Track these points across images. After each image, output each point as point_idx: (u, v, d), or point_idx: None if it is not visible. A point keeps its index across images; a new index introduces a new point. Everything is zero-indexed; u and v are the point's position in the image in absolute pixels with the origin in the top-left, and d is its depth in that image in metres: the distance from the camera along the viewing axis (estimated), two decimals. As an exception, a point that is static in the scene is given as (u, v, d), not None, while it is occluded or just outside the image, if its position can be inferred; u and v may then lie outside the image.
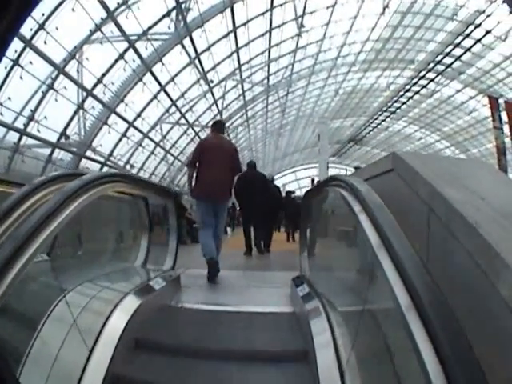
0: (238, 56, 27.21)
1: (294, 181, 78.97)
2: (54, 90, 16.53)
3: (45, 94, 16.36)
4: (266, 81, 33.76)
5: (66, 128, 18.64)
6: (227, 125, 35.71)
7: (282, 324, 4.56)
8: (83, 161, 21.29)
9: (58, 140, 18.60)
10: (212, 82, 27.84)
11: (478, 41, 30.15)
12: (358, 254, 3.70)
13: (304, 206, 6.98)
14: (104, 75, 19.03)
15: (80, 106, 18.76)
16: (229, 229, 26.61)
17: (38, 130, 16.64)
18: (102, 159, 23.09)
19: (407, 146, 57.31)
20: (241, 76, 30.33)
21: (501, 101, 29.88)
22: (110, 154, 23.64)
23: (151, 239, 6.39)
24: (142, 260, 6.17)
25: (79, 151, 20.54)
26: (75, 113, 18.69)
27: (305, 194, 7.53)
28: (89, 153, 21.37)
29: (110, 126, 21.45)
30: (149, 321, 4.24)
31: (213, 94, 29.76)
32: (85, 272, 4.78)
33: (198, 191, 7.50)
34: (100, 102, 19.85)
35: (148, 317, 4.27)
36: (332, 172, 56.04)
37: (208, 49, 24.16)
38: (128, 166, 26.38)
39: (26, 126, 16.18)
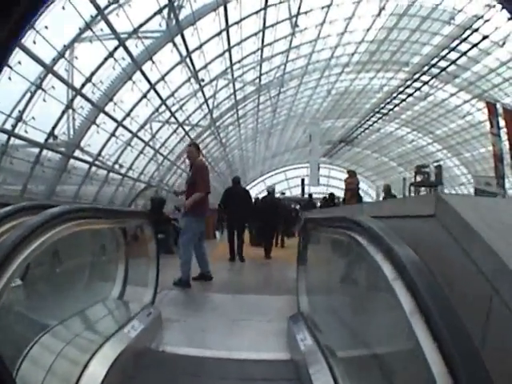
0: (230, 55, 26.79)
1: (284, 180, 79.54)
2: (43, 89, 16.02)
3: (33, 93, 15.86)
4: (257, 80, 33.40)
5: (54, 128, 18.09)
6: (217, 124, 35.54)
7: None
8: (71, 161, 20.79)
9: (46, 140, 18.06)
10: (203, 80, 27.42)
11: (475, 45, 30.12)
12: (377, 314, 3.22)
13: (303, 235, 6.52)
14: (93, 74, 18.48)
15: (69, 106, 18.23)
16: (217, 233, 26.91)
17: (26, 131, 16.12)
18: (90, 159, 22.65)
19: (399, 148, 58.33)
20: (232, 75, 29.92)
21: (498, 106, 29.62)
22: (99, 154, 23.14)
23: (128, 269, 5.79)
24: (117, 294, 5.57)
25: (67, 151, 20.06)
26: (63, 112, 18.13)
27: (305, 221, 6.85)
28: (77, 152, 20.85)
29: (98, 126, 20.92)
30: (126, 371, 3.81)
31: (203, 93, 29.33)
32: (50, 315, 4.15)
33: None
34: (89, 101, 19.33)
35: (124, 367, 3.82)
36: (323, 173, 56.36)
37: (200, 47, 23.78)
38: (117, 166, 25.98)
39: (14, 126, 15.70)
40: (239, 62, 28.74)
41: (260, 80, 33.46)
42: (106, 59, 18.50)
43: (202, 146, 38.54)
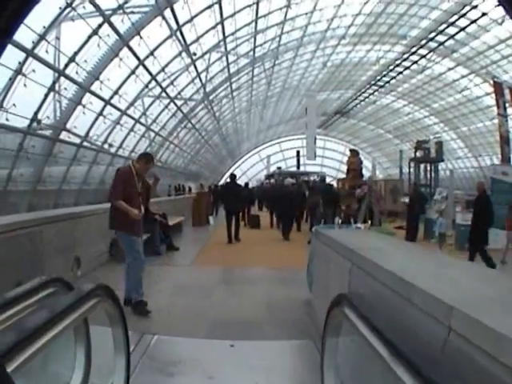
0: (223, 27, 25.73)
1: (279, 152, 78.95)
2: (23, 75, 15.17)
3: (13, 79, 15.01)
4: (251, 53, 32.30)
5: (36, 112, 17.23)
6: (211, 98, 34.75)
7: None
8: (59, 143, 19.96)
9: (29, 126, 17.19)
10: (195, 54, 26.33)
11: (474, 22, 29.42)
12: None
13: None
14: (76, 53, 17.46)
15: (51, 88, 17.33)
16: (211, 218, 25.34)
17: (7, 119, 15.44)
18: (78, 140, 21.80)
19: (395, 121, 57.85)
20: (225, 48, 28.86)
21: (504, 87, 28.73)
22: (86, 135, 22.25)
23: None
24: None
25: (54, 134, 19.24)
26: (46, 96, 17.21)
27: None
28: (64, 135, 19.94)
29: (84, 106, 19.97)
30: None
31: (196, 67, 28.31)
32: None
33: None
34: (73, 81, 18.36)
35: None
36: (319, 144, 55.75)
37: (191, 20, 22.71)
38: (106, 146, 25.15)
39: None
40: (232, 34, 27.65)
41: (254, 53, 32.38)
42: (89, 37, 17.45)
43: (195, 120, 37.88)
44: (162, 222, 14.29)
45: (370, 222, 19.39)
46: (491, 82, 31.28)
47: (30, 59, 15.25)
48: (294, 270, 10.20)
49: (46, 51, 15.79)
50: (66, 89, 18.34)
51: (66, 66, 17.40)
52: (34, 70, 15.40)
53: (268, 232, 20.89)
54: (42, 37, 15.12)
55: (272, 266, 11.85)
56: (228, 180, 22.42)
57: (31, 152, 18.20)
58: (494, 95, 29.24)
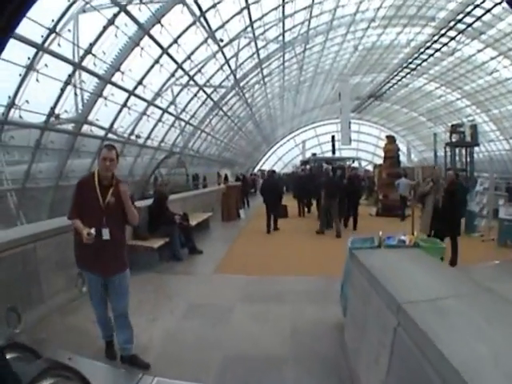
0: (249, 12, 24.98)
1: (314, 137, 78.73)
2: (36, 71, 14.91)
3: (24, 76, 14.73)
4: (281, 37, 31.49)
5: (54, 107, 16.90)
6: (241, 84, 34.26)
7: None
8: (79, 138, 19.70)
9: (46, 121, 16.93)
10: (222, 41, 25.72)
11: (499, 3, 28.24)
12: None
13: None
14: (92, 45, 17.03)
15: (68, 82, 16.94)
16: (242, 211, 23.65)
17: (21, 116, 15.18)
18: (102, 133, 21.50)
19: (427, 103, 56.88)
20: (253, 33, 28.11)
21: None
22: (111, 127, 21.88)
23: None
24: None
25: (75, 128, 19.08)
26: (62, 90, 16.86)
27: None
28: (86, 129, 19.68)
29: (106, 99, 19.56)
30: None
31: (224, 54, 27.74)
32: None
33: None
34: (91, 73, 18.00)
35: None
36: (353, 128, 55.07)
37: (214, 6, 22.02)
38: (133, 137, 24.78)
39: (6, 114, 14.82)
40: (260, 19, 26.86)
41: (284, 37, 31.57)
42: (105, 28, 16.96)
43: (227, 108, 37.49)
44: (182, 223, 12.99)
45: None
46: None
47: (45, 55, 15.02)
48: (328, 278, 9.53)
49: (59, 44, 15.38)
50: (83, 81, 17.94)
51: (82, 58, 17.03)
52: (46, 65, 15.10)
53: (297, 222, 20.30)
54: (51, 30, 14.71)
55: (304, 273, 10.64)
56: (266, 174, 23.80)
57: (51, 148, 18.07)
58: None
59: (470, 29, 33.55)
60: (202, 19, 22.05)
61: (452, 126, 35.61)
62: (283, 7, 26.80)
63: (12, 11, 2.12)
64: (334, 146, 57.95)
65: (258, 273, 10.88)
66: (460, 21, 32.43)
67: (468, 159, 33.20)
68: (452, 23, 33.24)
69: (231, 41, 26.85)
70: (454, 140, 34.07)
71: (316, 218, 20.04)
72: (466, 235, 16.00)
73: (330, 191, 17.66)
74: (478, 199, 18.59)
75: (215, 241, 16.28)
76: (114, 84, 19.90)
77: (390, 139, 24.68)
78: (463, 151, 34.14)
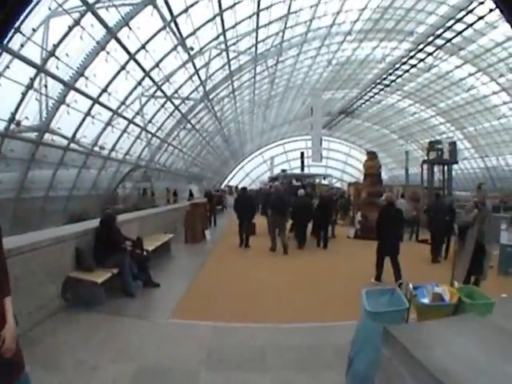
0: (222, 20, 24.10)
1: (283, 153, 78.57)
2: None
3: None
4: (253, 48, 30.62)
5: (14, 114, 15.76)
6: (211, 97, 33.34)
7: None
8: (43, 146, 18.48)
9: (7, 129, 15.79)
10: (192, 49, 24.61)
11: (481, 18, 28.52)
12: None
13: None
14: (56, 46, 15.80)
15: (29, 87, 15.73)
16: (207, 232, 20.43)
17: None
18: (64, 143, 20.21)
19: (400, 121, 57.30)
20: (225, 43, 27.17)
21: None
22: (73, 137, 20.56)
23: None
24: None
25: (36, 137, 17.86)
26: (24, 95, 15.64)
27: None
28: (47, 137, 18.42)
29: (68, 106, 18.28)
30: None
31: (193, 63, 26.71)
32: None
33: None
34: (54, 77, 16.70)
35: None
36: (323, 145, 54.49)
37: (186, 10, 21.03)
38: (96, 148, 23.45)
39: None
40: (233, 27, 25.91)
41: (256, 48, 30.72)
42: (70, 28, 15.77)
43: (195, 121, 36.45)
44: (134, 251, 10.50)
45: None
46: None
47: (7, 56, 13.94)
48: (319, 327, 7.57)
49: (21, 45, 14.28)
50: (46, 86, 16.60)
51: (46, 60, 15.74)
52: (8, 67, 13.98)
53: (266, 240, 17.80)
54: (16, 30, 13.50)
55: (286, 316, 8.22)
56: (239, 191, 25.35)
57: (11, 157, 16.84)
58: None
59: (448, 44, 33.51)
60: (172, 24, 20.94)
61: (430, 142, 34.93)
62: (257, 15, 25.89)
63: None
64: (303, 162, 57.50)
65: (228, 315, 8.42)
66: (439, 36, 32.36)
67: (446, 177, 32.50)
68: (431, 38, 33.15)
69: (202, 49, 25.78)
70: (431, 157, 33.37)
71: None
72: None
73: (298, 211, 17.79)
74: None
75: (176, 269, 13.50)
76: (78, 90, 18.65)
77: (371, 155, 23.58)
78: (440, 168, 33.59)
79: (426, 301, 5.14)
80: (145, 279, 10.36)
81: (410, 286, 5.18)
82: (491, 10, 26.55)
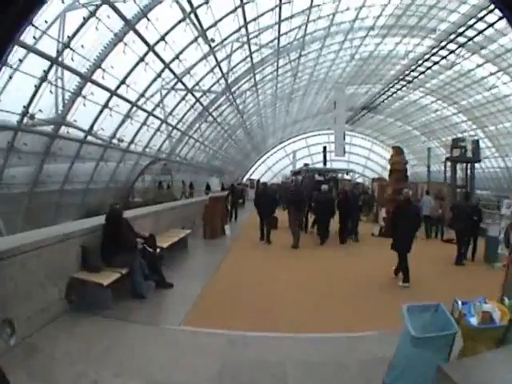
0: (244, 12, 23.69)
1: (305, 147, 78.13)
2: (10, 66, 13.63)
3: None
4: (276, 42, 30.22)
5: (27, 106, 15.52)
6: (233, 90, 33.01)
7: None
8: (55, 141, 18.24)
9: (20, 122, 15.54)
10: (213, 41, 24.19)
11: (501, 18, 27.24)
12: None
13: None
14: (71, 38, 15.60)
15: (43, 79, 15.53)
16: (227, 227, 20.11)
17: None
18: (81, 135, 20.01)
19: (422, 117, 56.68)
20: (247, 35, 26.76)
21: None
22: (91, 129, 20.33)
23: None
24: None
25: (52, 130, 17.72)
26: (37, 88, 15.50)
27: None
28: (63, 130, 18.27)
29: (85, 98, 18.05)
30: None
31: (215, 56, 26.36)
32: None
33: None
34: (69, 69, 16.51)
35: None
36: (346, 140, 54.06)
37: (207, 2, 20.61)
38: (115, 141, 23.22)
39: None
40: (254, 20, 25.51)
41: (279, 42, 30.30)
42: (86, 20, 15.52)
43: (217, 114, 36.19)
44: (145, 249, 9.86)
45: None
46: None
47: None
48: (347, 338, 7.01)
49: (34, 37, 14.07)
50: (61, 78, 16.41)
51: (60, 52, 15.56)
52: (20, 60, 13.80)
53: (289, 235, 17.24)
54: (29, 23, 13.23)
55: (309, 327, 7.57)
56: (260, 187, 25.67)
57: (25, 151, 16.58)
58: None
59: (470, 42, 33.06)
60: (192, 16, 20.61)
61: (453, 140, 34.19)
62: (280, 8, 25.41)
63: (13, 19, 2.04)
64: (325, 157, 57.00)
65: (245, 323, 7.73)
66: (461, 34, 31.94)
67: (469, 175, 31.92)
68: (453, 36, 32.75)
69: (223, 41, 25.48)
70: (454, 155, 32.76)
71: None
72: (485, 264, 13.99)
73: (320, 207, 17.88)
74: (504, 224, 16.18)
75: (192, 268, 12.98)
76: (95, 82, 18.46)
77: (397, 150, 23.03)
78: (462, 166, 33.01)
79: (474, 321, 4.77)
80: (157, 279, 9.80)
81: (459, 303, 4.81)
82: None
